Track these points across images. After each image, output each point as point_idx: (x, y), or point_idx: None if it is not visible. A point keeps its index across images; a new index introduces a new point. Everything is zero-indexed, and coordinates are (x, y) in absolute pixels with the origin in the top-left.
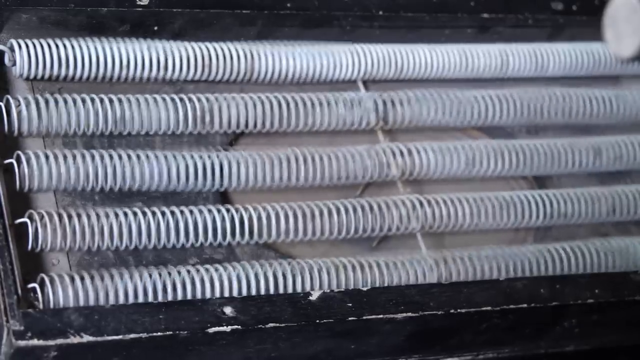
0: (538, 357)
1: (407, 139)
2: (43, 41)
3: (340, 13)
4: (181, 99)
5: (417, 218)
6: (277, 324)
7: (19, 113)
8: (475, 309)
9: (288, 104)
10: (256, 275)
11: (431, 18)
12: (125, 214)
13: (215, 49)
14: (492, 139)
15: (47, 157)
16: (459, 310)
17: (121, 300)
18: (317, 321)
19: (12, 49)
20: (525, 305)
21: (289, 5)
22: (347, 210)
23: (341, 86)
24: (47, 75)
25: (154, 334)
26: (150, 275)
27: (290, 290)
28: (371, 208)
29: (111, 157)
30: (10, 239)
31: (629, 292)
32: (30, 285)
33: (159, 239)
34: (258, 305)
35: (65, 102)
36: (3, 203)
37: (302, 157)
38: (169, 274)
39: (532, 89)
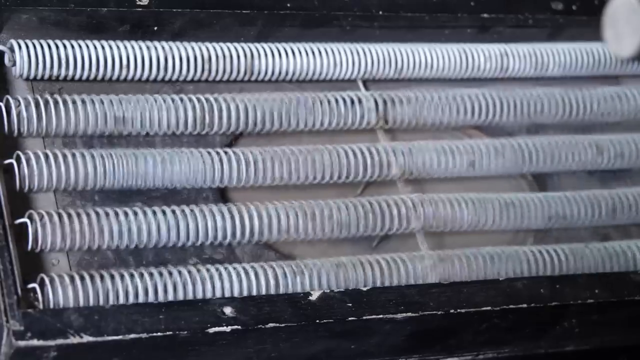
0: (538, 357)
1: (407, 138)
2: (43, 41)
3: (340, 13)
4: (181, 99)
5: (417, 218)
6: (277, 324)
7: (19, 113)
8: (475, 309)
9: (288, 104)
10: (256, 275)
11: (431, 18)
12: (125, 214)
13: (215, 49)
14: (492, 138)
15: (47, 157)
16: (459, 310)
17: (121, 300)
18: (317, 321)
19: (12, 49)
20: (525, 305)
21: (289, 5)
22: (347, 210)
23: (341, 85)
24: (47, 76)
25: (154, 334)
26: (151, 275)
27: (290, 290)
28: (371, 208)
29: (111, 157)
30: (10, 239)
31: (629, 292)
32: (30, 285)
33: (158, 238)
34: (258, 305)
35: (65, 102)
36: (3, 203)
37: (302, 156)
38: (169, 274)
39: (532, 88)
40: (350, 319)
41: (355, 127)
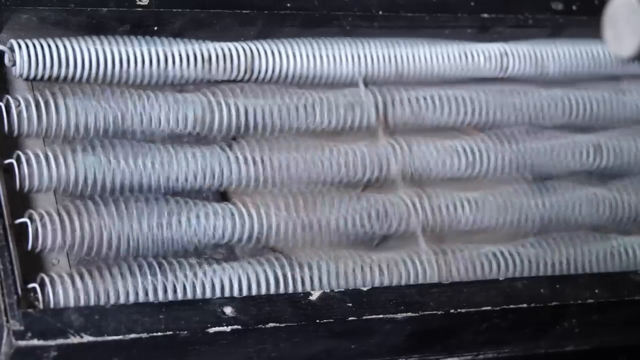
0: (538, 357)
1: (407, 138)
2: (43, 41)
3: (340, 13)
4: (181, 99)
5: (417, 218)
6: (277, 324)
7: (19, 113)
8: (475, 309)
9: (288, 104)
10: (256, 275)
11: (431, 18)
12: (125, 214)
13: (215, 49)
14: (491, 138)
15: (47, 157)
16: (459, 310)
17: (121, 300)
18: (317, 321)
19: (12, 49)
20: (525, 305)
21: (289, 5)
22: (347, 210)
23: (341, 86)
24: (47, 75)
25: (154, 334)
26: (151, 275)
27: (290, 290)
28: (371, 208)
29: (111, 156)
30: (10, 239)
31: (629, 292)
32: (30, 285)
33: (158, 238)
34: (258, 305)
35: (65, 102)
36: (3, 203)
37: (302, 156)
38: (169, 273)
39: (531, 88)
40: (350, 319)
41: (355, 127)
